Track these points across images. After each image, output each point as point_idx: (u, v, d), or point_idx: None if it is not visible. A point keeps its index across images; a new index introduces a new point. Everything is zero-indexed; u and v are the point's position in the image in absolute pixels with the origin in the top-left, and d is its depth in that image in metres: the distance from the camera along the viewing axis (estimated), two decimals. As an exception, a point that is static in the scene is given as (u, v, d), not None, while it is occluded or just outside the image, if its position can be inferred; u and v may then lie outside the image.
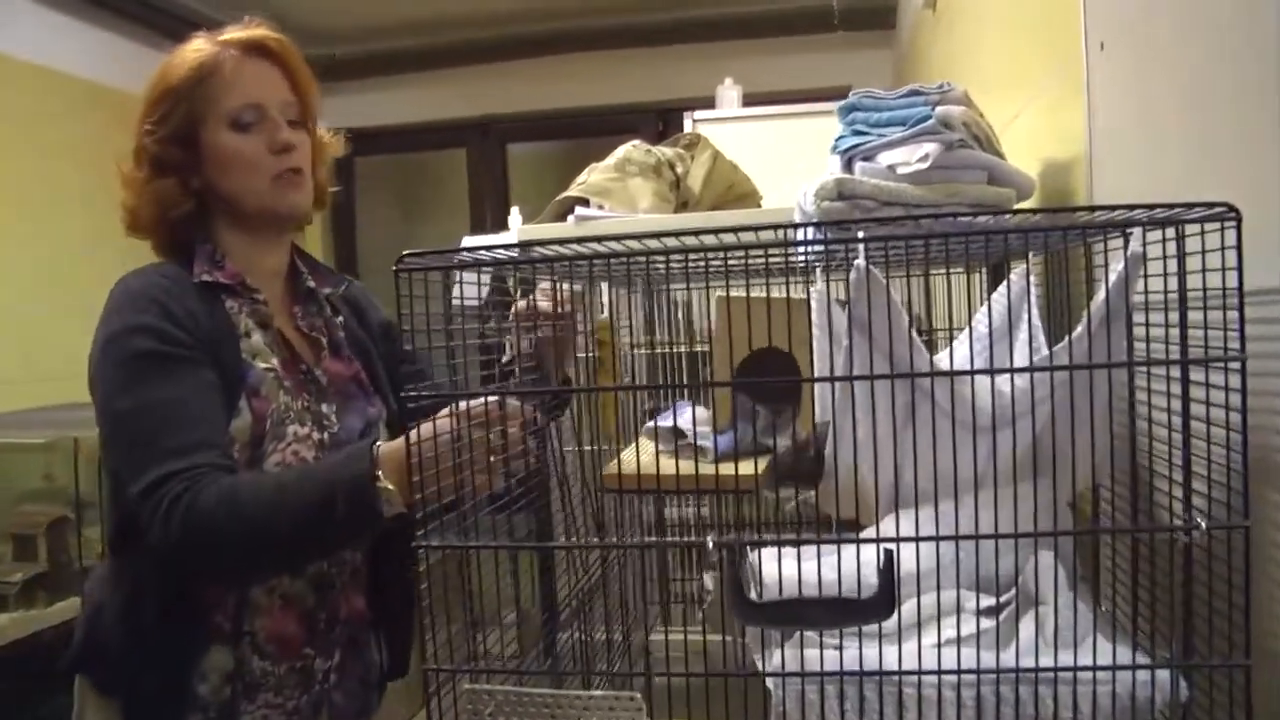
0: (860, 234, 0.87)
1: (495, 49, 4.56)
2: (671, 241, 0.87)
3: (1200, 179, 0.92)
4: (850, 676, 0.81)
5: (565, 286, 1.32)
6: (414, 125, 4.87)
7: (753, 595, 0.89)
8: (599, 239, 0.92)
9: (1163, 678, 0.79)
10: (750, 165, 1.95)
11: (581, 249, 0.96)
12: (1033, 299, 1.08)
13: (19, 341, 3.24)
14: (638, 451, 1.30)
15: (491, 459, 0.97)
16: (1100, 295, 0.85)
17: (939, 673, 0.80)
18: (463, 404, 0.98)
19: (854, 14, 4.09)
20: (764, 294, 1.17)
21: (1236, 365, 0.76)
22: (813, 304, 1.18)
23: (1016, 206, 1.13)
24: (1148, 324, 0.87)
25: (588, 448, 1.43)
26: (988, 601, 0.90)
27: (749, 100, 3.49)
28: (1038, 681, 0.79)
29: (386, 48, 4.65)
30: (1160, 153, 1.03)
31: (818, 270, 1.16)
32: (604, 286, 1.60)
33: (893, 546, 0.81)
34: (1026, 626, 0.88)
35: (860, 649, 0.83)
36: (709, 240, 0.86)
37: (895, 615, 0.82)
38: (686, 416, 1.54)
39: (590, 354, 1.64)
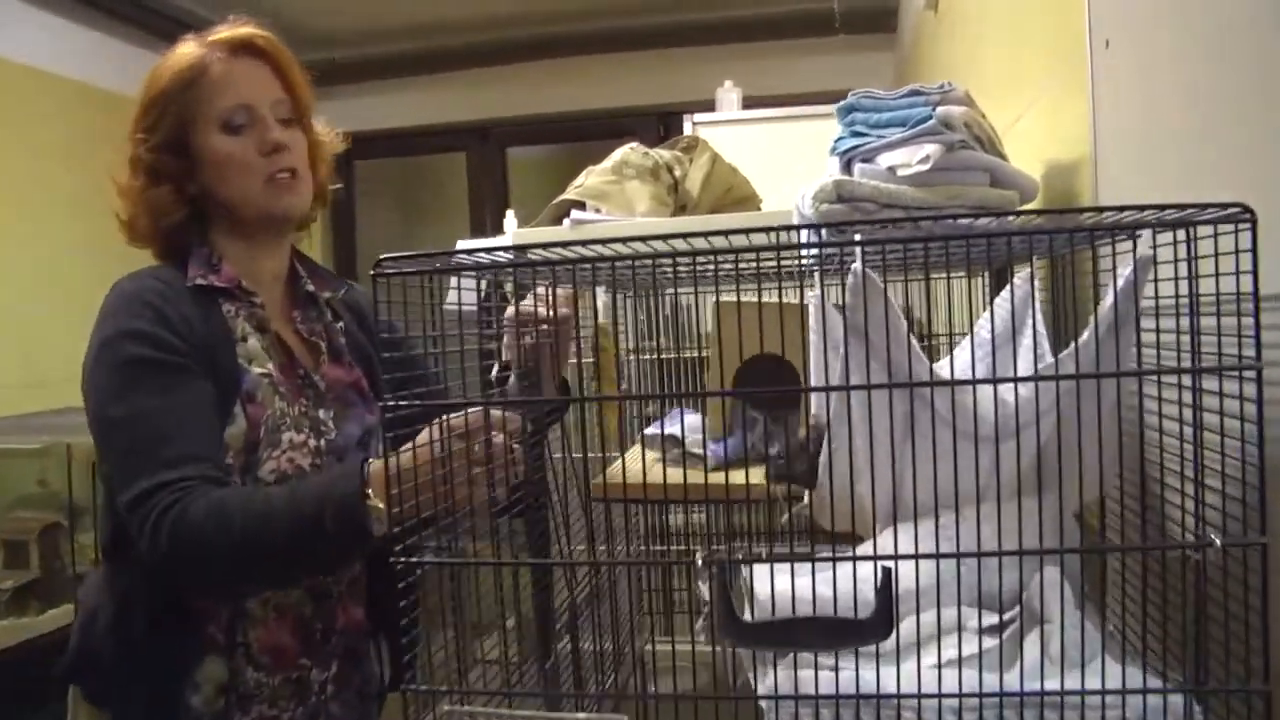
0: (857, 236, 0.84)
1: (495, 52, 4.55)
2: (664, 245, 0.84)
3: (1209, 179, 0.89)
4: (846, 700, 0.78)
5: (562, 289, 1.30)
6: (414, 129, 4.87)
7: (746, 612, 0.86)
8: (594, 242, 0.89)
9: (1175, 703, 0.76)
10: (750, 168, 1.93)
11: (572, 253, 0.93)
12: (1037, 304, 1.05)
13: (15, 345, 3.23)
14: (627, 460, 1.27)
15: (475, 471, 0.95)
16: (1107, 300, 0.82)
17: (939, 696, 0.77)
18: (448, 417, 0.96)
19: (855, 16, 4.07)
20: (764, 299, 1.14)
21: (1251, 374, 0.72)
22: (809, 309, 1.15)
23: (1020, 209, 1.11)
24: (1158, 330, 0.84)
25: (578, 456, 1.40)
26: (990, 619, 0.87)
27: (749, 103, 3.47)
28: (1043, 705, 0.76)
29: (386, 51, 4.65)
30: (1167, 153, 1.00)
31: (815, 274, 1.13)
32: (599, 291, 1.57)
33: (890, 564, 0.78)
34: (1031, 646, 0.84)
35: (857, 669, 0.79)
36: (702, 244, 0.83)
37: (894, 634, 0.79)
38: (686, 421, 1.51)
39: (587, 359, 1.61)
